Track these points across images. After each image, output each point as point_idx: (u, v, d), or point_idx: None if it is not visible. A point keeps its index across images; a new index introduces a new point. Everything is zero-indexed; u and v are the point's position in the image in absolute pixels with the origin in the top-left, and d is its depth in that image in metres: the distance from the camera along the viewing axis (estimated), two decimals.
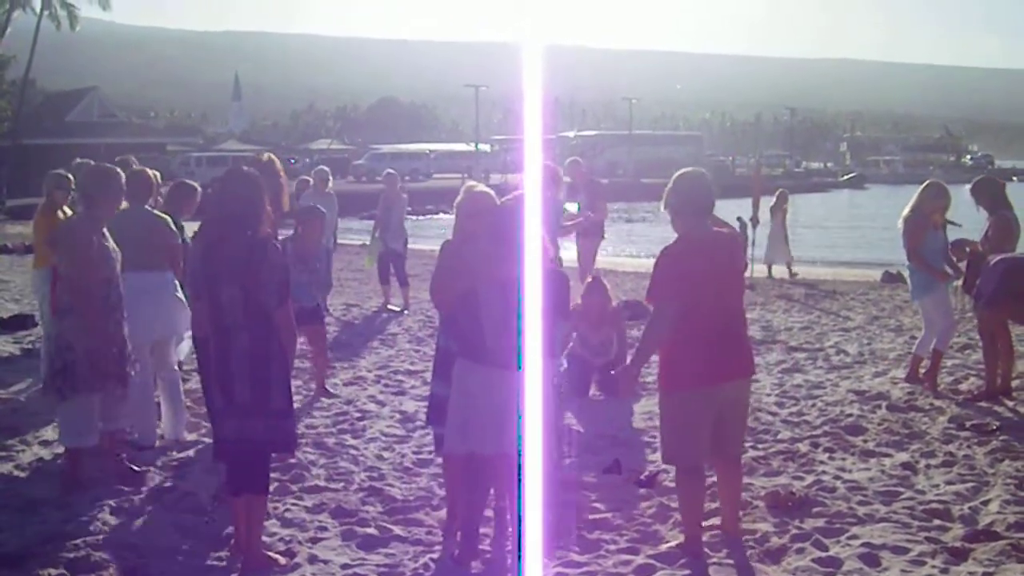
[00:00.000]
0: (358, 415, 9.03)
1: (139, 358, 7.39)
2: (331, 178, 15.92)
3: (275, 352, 5.56)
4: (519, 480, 5.75)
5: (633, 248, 31.43)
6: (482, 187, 6.51)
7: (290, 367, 5.76)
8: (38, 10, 63.15)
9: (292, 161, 79.75)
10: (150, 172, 8.34)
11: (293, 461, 7.56)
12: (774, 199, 21.41)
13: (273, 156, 6.35)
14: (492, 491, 6.09)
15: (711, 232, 5.84)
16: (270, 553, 5.78)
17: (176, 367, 8.25)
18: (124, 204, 7.56)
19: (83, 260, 6.74)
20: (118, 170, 7.23)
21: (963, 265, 9.86)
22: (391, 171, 17.29)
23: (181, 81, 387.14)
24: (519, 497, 5.77)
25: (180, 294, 7.89)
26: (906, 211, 9.73)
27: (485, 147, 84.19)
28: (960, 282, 10.08)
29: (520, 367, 5.49)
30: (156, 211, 8.15)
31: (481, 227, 5.82)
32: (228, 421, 5.57)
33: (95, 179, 7.07)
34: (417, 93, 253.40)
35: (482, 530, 5.94)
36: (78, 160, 10.28)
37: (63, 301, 6.83)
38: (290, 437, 5.80)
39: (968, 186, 10.01)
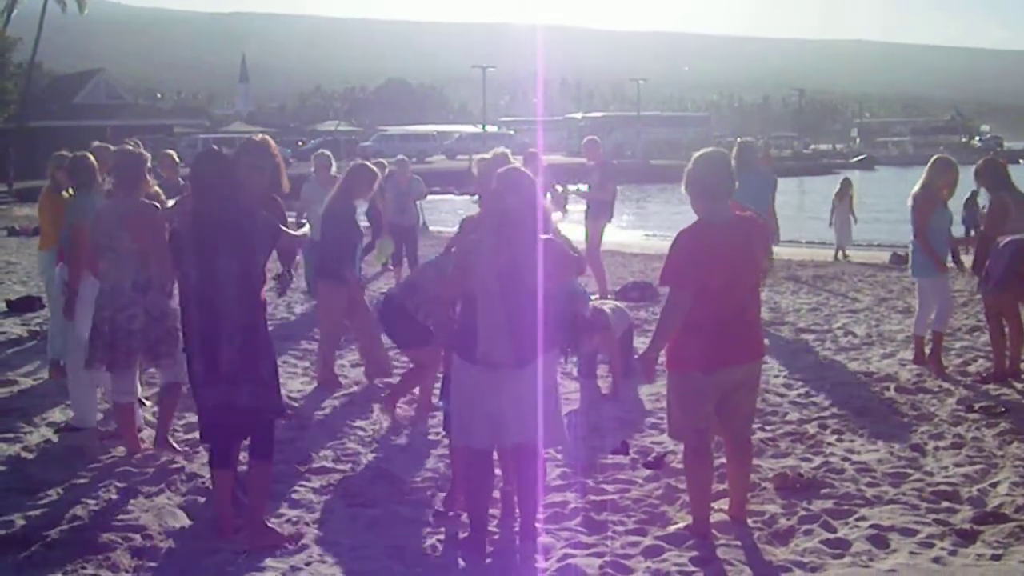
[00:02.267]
0: (366, 397, 9.01)
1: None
2: (334, 162, 13.98)
3: (262, 322, 5.81)
4: (524, 468, 5.74)
5: (641, 229, 31.37)
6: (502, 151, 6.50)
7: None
8: None
9: (299, 143, 79.76)
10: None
11: (301, 443, 7.57)
12: (839, 186, 22.70)
13: (267, 137, 6.30)
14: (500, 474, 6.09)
15: (729, 216, 5.79)
16: (273, 527, 5.86)
17: None
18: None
19: (163, 237, 6.89)
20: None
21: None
22: (403, 157, 17.18)
23: (188, 63, 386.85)
24: (524, 483, 5.78)
25: None
26: (916, 188, 9.71)
27: (483, 127, 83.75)
28: (969, 264, 10.07)
29: (516, 365, 5.44)
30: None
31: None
32: (216, 389, 5.67)
33: (134, 160, 7.40)
34: (425, 74, 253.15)
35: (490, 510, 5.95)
36: (96, 143, 10.22)
37: (141, 277, 7.04)
38: (278, 403, 5.97)
39: (973, 167, 10.01)
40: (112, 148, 9.04)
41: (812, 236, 26.33)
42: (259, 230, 5.73)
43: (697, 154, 5.89)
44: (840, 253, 21.50)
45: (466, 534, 5.78)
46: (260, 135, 6.28)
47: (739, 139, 13.32)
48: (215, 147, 5.94)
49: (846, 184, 22.68)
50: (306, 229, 7.04)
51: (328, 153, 14.11)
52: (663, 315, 5.75)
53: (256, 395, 5.70)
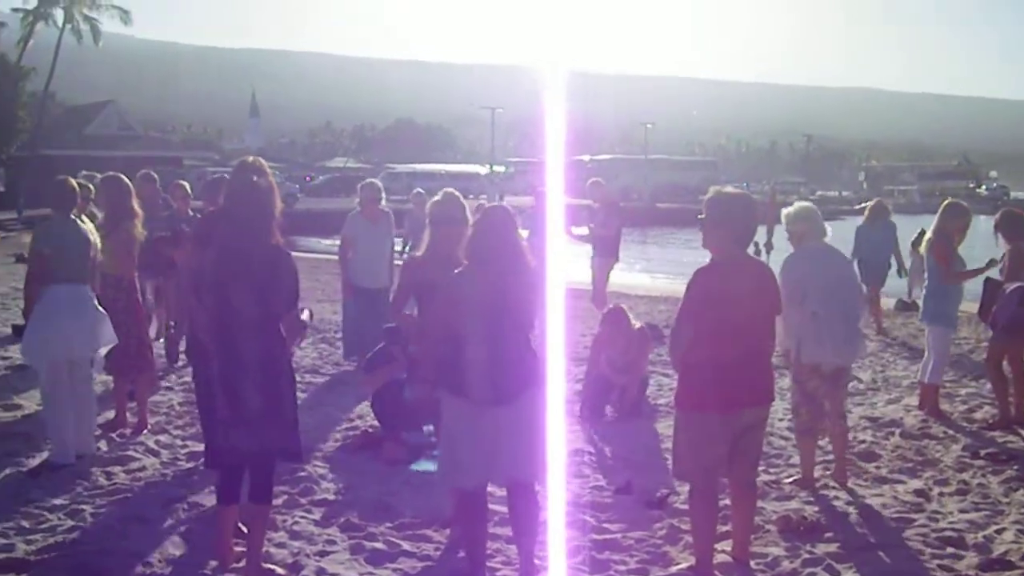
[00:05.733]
0: (369, 430, 8.99)
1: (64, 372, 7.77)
2: (383, 195, 11.83)
3: (284, 359, 5.64)
4: (518, 506, 5.70)
5: (648, 272, 31.34)
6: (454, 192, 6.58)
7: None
8: (60, 23, 63.79)
9: (308, 178, 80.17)
10: (73, 181, 8.19)
11: (303, 475, 7.55)
12: (915, 236, 22.88)
13: (260, 159, 6.21)
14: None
15: (746, 257, 5.81)
16: (270, 566, 5.77)
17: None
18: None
19: None
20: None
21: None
22: (420, 190, 15.93)
23: (199, 97, 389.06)
24: (519, 521, 5.73)
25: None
26: (929, 235, 9.74)
27: (491, 168, 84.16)
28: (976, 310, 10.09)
29: (499, 401, 5.44)
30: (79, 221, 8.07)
31: (464, 249, 5.76)
32: (237, 430, 5.50)
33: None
34: (433, 114, 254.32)
35: (491, 546, 5.92)
36: (84, 172, 10.25)
37: None
38: (298, 446, 5.78)
39: (984, 217, 10.06)
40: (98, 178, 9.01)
41: None
42: (282, 269, 5.56)
43: (725, 189, 5.89)
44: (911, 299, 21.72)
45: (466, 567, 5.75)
46: (252, 156, 6.19)
47: (876, 198, 17.39)
48: (254, 178, 5.73)
49: (921, 234, 22.94)
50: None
51: (378, 184, 12.00)
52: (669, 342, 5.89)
53: (278, 437, 5.57)
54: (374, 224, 11.47)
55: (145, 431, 8.68)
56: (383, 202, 11.67)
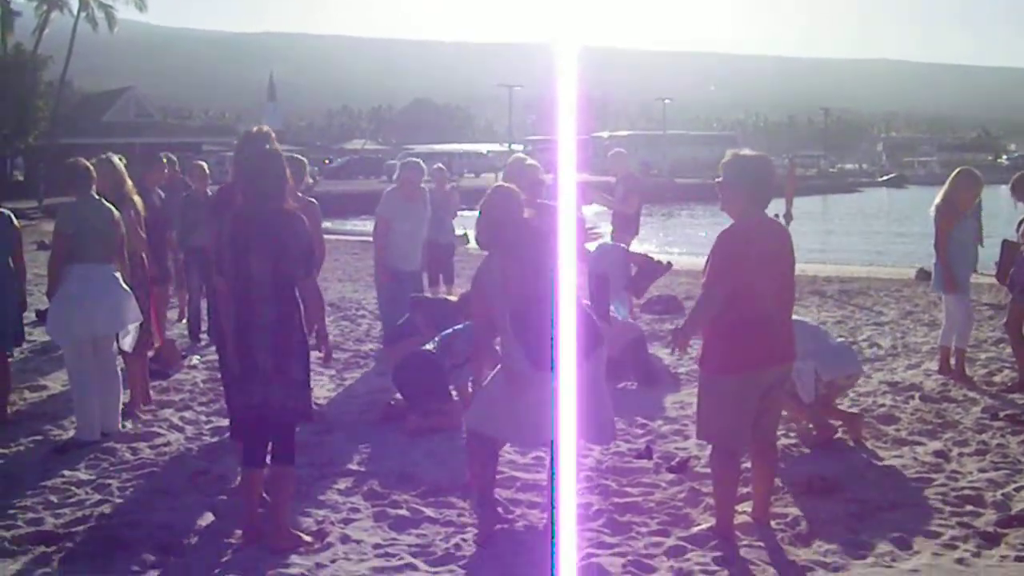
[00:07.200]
0: (391, 403, 9.06)
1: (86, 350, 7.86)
2: (425, 175, 11.25)
3: (297, 324, 5.75)
4: (551, 471, 5.78)
5: (668, 246, 31.32)
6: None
7: (322, 335, 6.00)
8: (75, 11, 64.00)
9: (326, 161, 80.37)
10: (86, 162, 8.19)
11: (326, 446, 7.64)
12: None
13: (268, 128, 6.27)
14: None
15: (766, 218, 5.84)
16: (297, 532, 5.85)
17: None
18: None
19: None
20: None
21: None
22: (440, 166, 15.33)
23: (216, 82, 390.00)
24: (552, 486, 5.80)
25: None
26: (937, 199, 9.71)
27: (510, 147, 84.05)
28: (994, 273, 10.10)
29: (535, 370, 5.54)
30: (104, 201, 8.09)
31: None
32: (248, 387, 5.68)
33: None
34: (451, 94, 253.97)
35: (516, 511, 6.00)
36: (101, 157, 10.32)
37: None
38: (308, 405, 5.94)
39: (1004, 186, 10.04)
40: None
41: (836, 255, 26.67)
42: (293, 234, 5.67)
43: (743, 151, 5.90)
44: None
45: (477, 519, 5.94)
46: (256, 127, 6.27)
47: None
48: (269, 147, 5.89)
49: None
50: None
51: (421, 164, 11.35)
52: (696, 307, 5.86)
53: (286, 395, 5.69)
54: (411, 203, 10.77)
55: (150, 404, 8.83)
56: (423, 183, 11.07)
